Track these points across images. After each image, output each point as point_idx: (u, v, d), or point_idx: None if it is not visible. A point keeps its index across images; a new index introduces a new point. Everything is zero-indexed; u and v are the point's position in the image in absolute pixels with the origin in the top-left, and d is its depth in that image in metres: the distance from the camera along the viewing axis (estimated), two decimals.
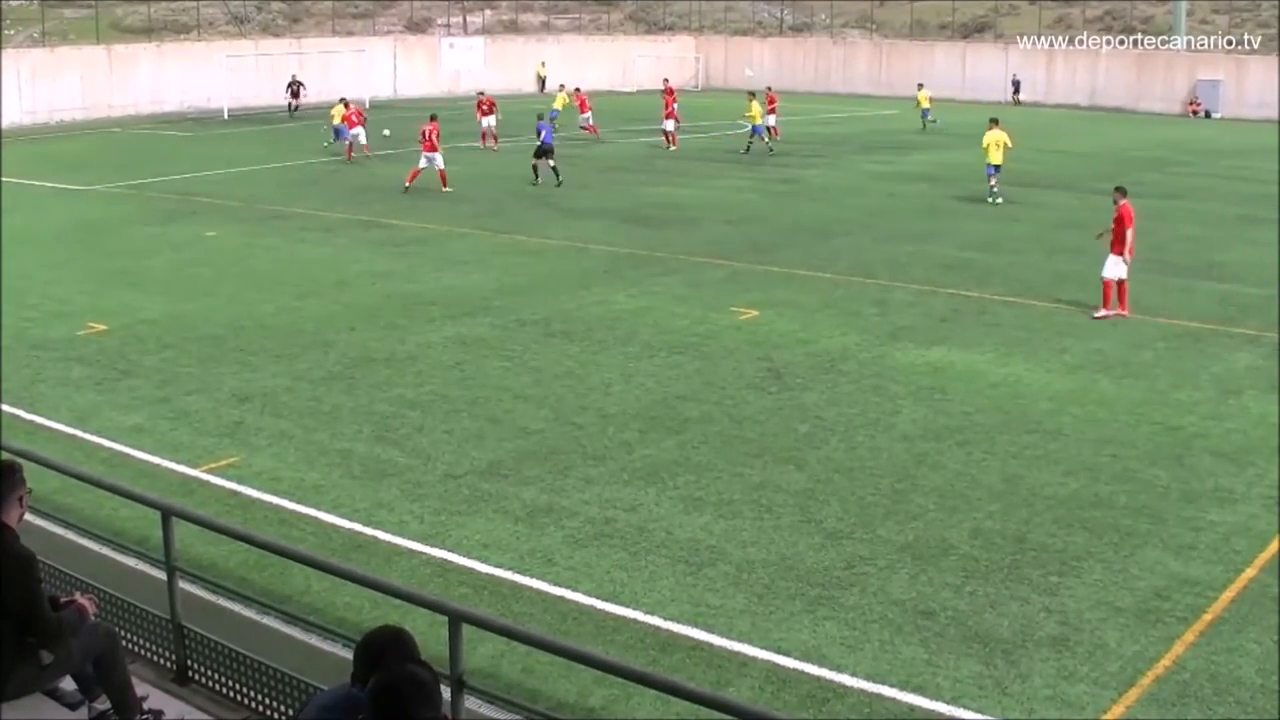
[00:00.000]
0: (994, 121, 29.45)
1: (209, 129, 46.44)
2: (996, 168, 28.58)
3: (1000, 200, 28.43)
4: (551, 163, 30.69)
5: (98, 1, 55.60)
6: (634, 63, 64.57)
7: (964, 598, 9.18)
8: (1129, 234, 17.60)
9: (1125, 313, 17.63)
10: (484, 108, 39.70)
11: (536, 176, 31.02)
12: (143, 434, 12.77)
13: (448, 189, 29.77)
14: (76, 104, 49.31)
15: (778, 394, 14.13)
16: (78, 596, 6.15)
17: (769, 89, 43.80)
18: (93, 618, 6.06)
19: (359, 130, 36.54)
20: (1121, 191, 18.13)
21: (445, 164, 30.20)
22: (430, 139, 30.02)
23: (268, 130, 46.21)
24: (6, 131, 42.53)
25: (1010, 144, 29.01)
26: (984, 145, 29.05)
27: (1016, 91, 60.42)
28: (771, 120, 40.15)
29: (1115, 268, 17.69)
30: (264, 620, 7.76)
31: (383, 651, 4.37)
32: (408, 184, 29.85)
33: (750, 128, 38.51)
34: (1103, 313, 17.63)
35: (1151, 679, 8.09)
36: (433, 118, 30.87)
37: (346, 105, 37.59)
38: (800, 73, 65.08)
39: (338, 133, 37.31)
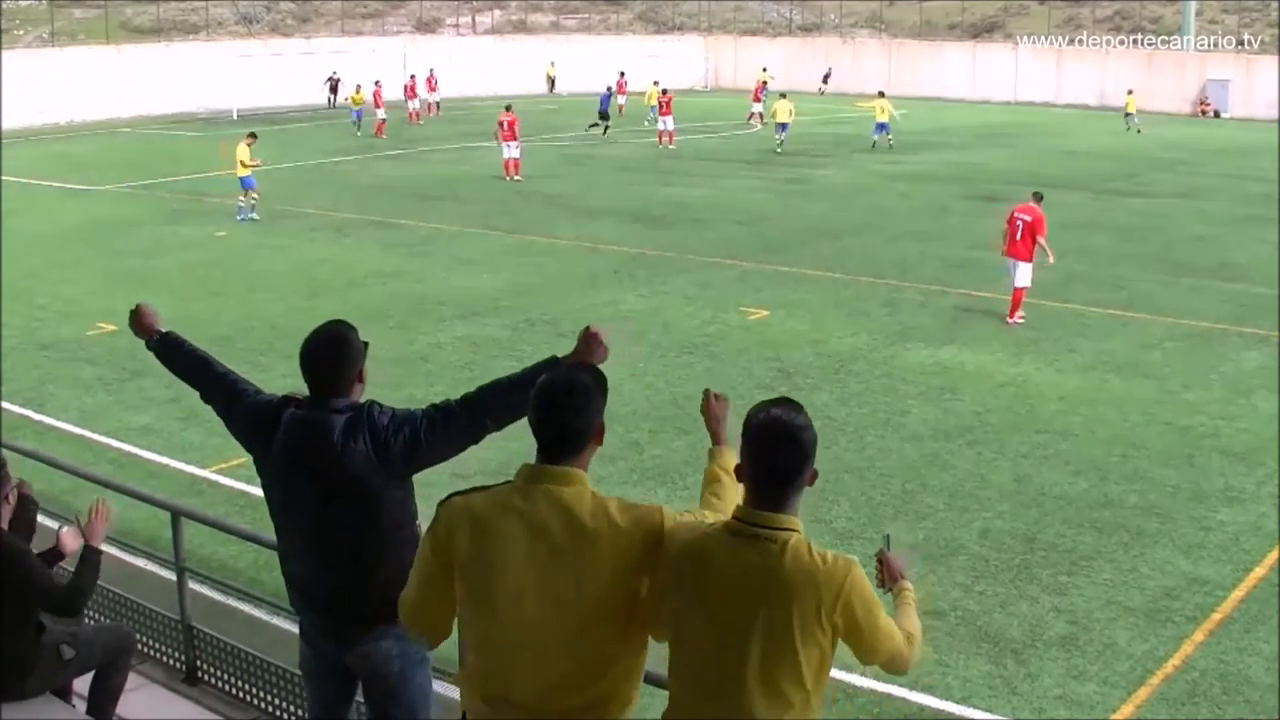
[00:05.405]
0: (783, 95, 40.39)
1: (219, 129, 46.50)
2: (783, 125, 38.75)
3: (781, 151, 37.91)
4: (605, 123, 43.05)
5: (107, 2, 55.80)
6: (644, 63, 64.48)
7: (974, 597, 9.17)
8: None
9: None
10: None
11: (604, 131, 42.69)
12: (152, 434, 12.80)
13: (518, 178, 31.82)
14: (85, 104, 49.43)
15: (787, 394, 14.09)
16: (60, 532, 5.81)
17: (664, 90, 42.08)
18: (78, 542, 5.72)
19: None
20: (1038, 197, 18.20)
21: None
22: (510, 129, 31.80)
23: (278, 130, 46.24)
24: (15, 132, 42.68)
25: (794, 111, 39.19)
26: (771, 111, 40.26)
27: (825, 81, 63.30)
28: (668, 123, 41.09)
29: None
30: (273, 620, 7.75)
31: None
32: (506, 176, 31.89)
33: (875, 124, 40.35)
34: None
35: (1161, 678, 8.08)
36: (507, 108, 32.74)
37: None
38: (810, 73, 64.97)
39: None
